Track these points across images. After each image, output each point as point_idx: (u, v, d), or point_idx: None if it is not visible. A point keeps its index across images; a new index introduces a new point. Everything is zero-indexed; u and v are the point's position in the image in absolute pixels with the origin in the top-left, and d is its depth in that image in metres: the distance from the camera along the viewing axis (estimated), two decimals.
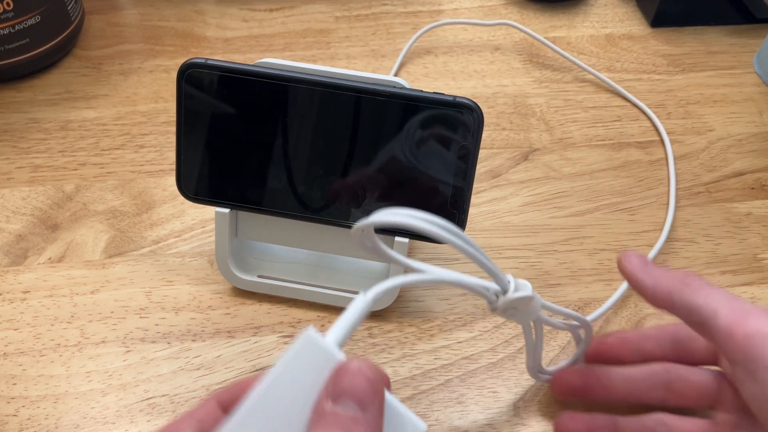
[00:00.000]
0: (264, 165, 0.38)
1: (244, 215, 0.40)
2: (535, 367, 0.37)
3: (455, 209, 0.37)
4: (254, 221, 0.40)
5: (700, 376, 0.34)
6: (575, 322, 0.35)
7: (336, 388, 0.24)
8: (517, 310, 0.31)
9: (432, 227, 0.27)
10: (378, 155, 0.37)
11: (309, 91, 0.36)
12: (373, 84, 0.36)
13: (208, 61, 0.36)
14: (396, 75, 0.57)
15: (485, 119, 0.54)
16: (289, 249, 0.43)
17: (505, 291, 0.30)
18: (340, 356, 0.24)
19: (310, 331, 0.24)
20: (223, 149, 0.38)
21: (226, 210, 0.39)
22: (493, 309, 0.31)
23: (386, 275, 0.41)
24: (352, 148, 0.37)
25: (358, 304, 0.25)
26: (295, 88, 0.36)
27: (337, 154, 0.37)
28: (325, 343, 0.24)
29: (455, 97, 0.35)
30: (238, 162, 0.38)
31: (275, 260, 0.43)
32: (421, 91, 0.36)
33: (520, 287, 0.31)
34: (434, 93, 0.36)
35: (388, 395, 0.25)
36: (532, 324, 0.33)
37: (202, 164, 0.38)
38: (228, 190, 0.39)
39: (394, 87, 0.36)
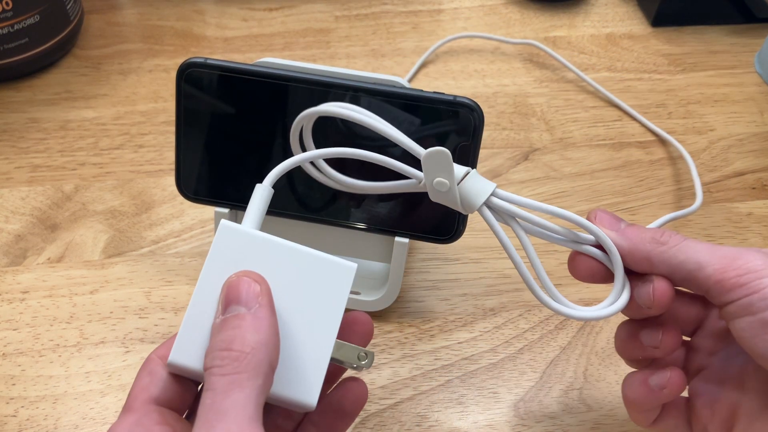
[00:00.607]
0: (263, 164, 0.38)
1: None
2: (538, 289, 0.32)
3: (454, 211, 0.37)
4: None
5: (683, 305, 0.33)
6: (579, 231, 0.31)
7: (222, 303, 0.26)
8: (449, 189, 0.30)
9: (350, 112, 0.31)
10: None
11: (308, 90, 0.36)
12: (373, 83, 0.36)
13: (208, 61, 0.36)
14: (415, 75, 0.57)
15: (486, 119, 0.53)
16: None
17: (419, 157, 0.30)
18: (257, 232, 0.28)
19: (225, 222, 0.28)
20: (223, 149, 0.38)
21: (226, 210, 0.39)
22: (428, 190, 0.30)
23: (386, 275, 0.41)
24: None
25: (259, 190, 0.30)
26: (294, 88, 0.36)
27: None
28: (240, 227, 0.28)
29: (455, 96, 0.35)
30: (237, 161, 0.38)
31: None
32: (421, 90, 0.36)
33: (436, 152, 0.29)
34: (434, 92, 0.35)
35: (308, 250, 0.28)
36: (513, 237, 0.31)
37: (201, 164, 0.38)
38: (227, 189, 0.39)
39: (394, 86, 0.36)
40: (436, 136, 0.36)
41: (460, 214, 0.37)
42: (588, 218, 0.31)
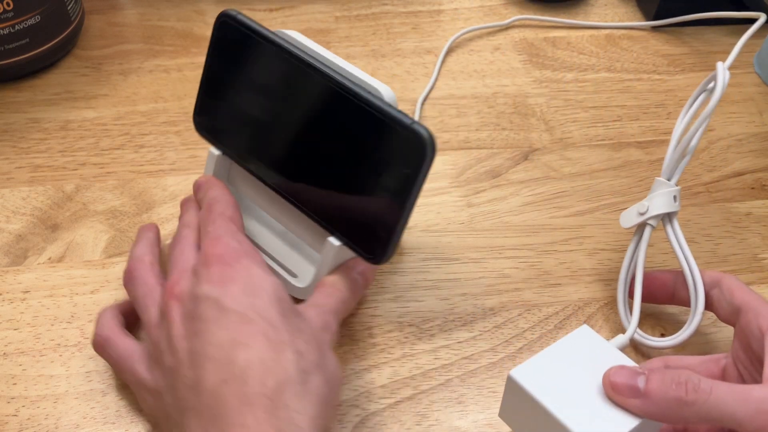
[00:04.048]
0: (253, 123, 0.40)
1: (237, 165, 0.42)
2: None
3: (385, 232, 0.35)
4: (244, 174, 0.41)
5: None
6: None
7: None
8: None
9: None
10: (337, 149, 0.37)
11: (303, 70, 0.37)
12: (355, 84, 0.35)
13: (238, 16, 0.39)
14: (442, 69, 0.57)
15: (486, 119, 0.54)
16: (265, 214, 0.44)
17: None
18: None
19: None
20: (231, 98, 0.40)
21: (217, 152, 0.41)
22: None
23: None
24: (318, 133, 0.37)
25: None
26: (294, 65, 0.37)
27: (306, 133, 0.38)
28: None
29: (413, 121, 0.34)
30: (237, 112, 0.40)
31: (249, 217, 0.43)
32: (390, 105, 0.34)
33: None
34: (398, 111, 0.34)
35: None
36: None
37: (212, 104, 0.41)
38: (224, 134, 0.41)
39: (369, 92, 0.35)
40: (387, 153, 0.35)
41: (388, 235, 0.35)
42: (604, 384, 0.32)
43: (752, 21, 0.53)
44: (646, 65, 0.59)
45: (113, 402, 0.37)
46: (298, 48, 0.37)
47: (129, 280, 0.38)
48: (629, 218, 0.40)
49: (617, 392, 0.31)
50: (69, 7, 0.54)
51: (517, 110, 0.55)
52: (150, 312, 0.35)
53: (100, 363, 0.39)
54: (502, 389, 0.38)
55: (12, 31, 0.51)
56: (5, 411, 0.37)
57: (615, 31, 0.62)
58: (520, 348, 0.40)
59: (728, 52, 0.60)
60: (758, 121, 0.55)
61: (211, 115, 0.41)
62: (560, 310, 0.42)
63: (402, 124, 0.34)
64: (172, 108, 0.53)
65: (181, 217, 0.41)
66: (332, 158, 0.37)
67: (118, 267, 0.43)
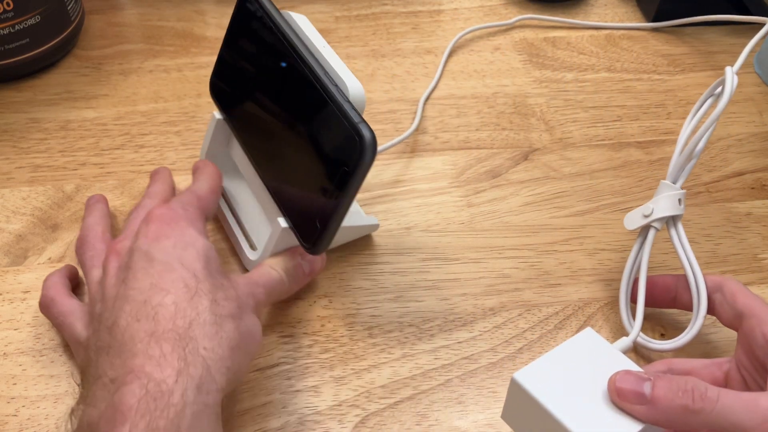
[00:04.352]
0: (244, 94, 0.42)
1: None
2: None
3: (320, 223, 0.36)
4: (237, 143, 0.43)
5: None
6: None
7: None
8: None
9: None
10: (297, 134, 0.38)
11: (287, 52, 0.38)
12: (326, 73, 0.36)
13: None
14: (444, 69, 0.57)
15: (485, 119, 0.54)
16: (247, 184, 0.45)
17: None
18: None
19: None
20: (235, 65, 0.42)
21: (219, 116, 0.43)
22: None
23: (291, 242, 0.40)
24: (286, 114, 0.38)
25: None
26: (283, 46, 0.38)
27: (277, 113, 0.39)
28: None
29: (361, 122, 0.34)
30: (236, 81, 0.42)
31: (232, 182, 0.46)
32: (347, 101, 0.35)
33: None
34: (352, 108, 0.34)
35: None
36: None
37: (223, 70, 0.43)
38: (226, 100, 0.43)
39: (335, 84, 0.35)
40: (333, 147, 0.35)
41: (321, 230, 0.36)
42: (609, 389, 0.31)
43: (753, 22, 0.53)
44: (646, 65, 0.59)
45: None
46: (291, 30, 0.38)
47: (79, 246, 0.40)
48: (634, 220, 0.40)
49: (623, 398, 0.31)
50: (69, 7, 0.54)
51: (517, 110, 0.55)
52: (94, 272, 0.37)
53: None
54: (502, 389, 0.38)
55: (12, 31, 0.51)
56: (5, 411, 0.37)
57: (615, 31, 0.62)
58: (520, 348, 0.40)
59: (728, 52, 0.60)
60: (758, 121, 0.55)
61: (221, 80, 0.44)
62: (560, 311, 0.42)
63: (350, 121, 0.34)
64: (172, 108, 0.53)
65: (148, 187, 0.43)
66: (291, 142, 0.38)
67: None
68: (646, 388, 0.30)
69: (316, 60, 0.36)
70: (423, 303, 0.42)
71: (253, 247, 0.43)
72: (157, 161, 0.49)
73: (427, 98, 0.55)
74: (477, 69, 0.58)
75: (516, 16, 0.63)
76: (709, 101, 0.41)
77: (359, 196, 0.47)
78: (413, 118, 0.53)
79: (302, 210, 0.37)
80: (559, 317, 0.42)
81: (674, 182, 0.40)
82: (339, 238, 0.41)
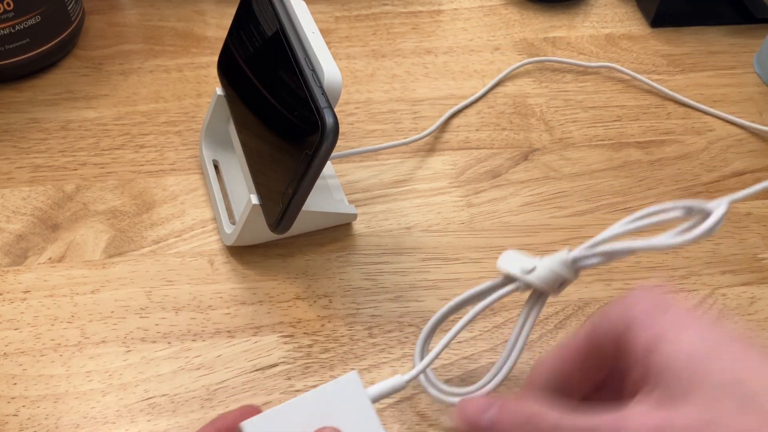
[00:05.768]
0: (239, 72, 0.43)
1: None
2: None
3: (282, 203, 0.37)
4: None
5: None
6: None
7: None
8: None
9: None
10: (273, 114, 0.39)
11: (277, 32, 0.39)
12: (306, 57, 0.37)
13: None
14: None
15: (485, 119, 0.54)
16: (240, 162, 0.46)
17: None
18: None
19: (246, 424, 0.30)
20: (238, 43, 0.44)
21: (220, 92, 0.46)
22: None
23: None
24: (268, 93, 0.39)
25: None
26: (275, 26, 0.39)
27: (261, 91, 0.40)
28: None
29: (326, 107, 0.34)
30: (236, 59, 0.44)
31: (226, 157, 0.48)
32: (320, 86, 0.35)
33: None
34: (322, 93, 0.35)
35: (310, 393, 0.31)
36: None
37: (228, 47, 0.45)
38: (228, 77, 0.45)
39: (313, 69, 0.36)
40: (299, 130, 0.36)
41: (284, 207, 0.37)
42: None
43: (753, 22, 0.53)
44: (646, 65, 0.59)
45: (113, 402, 0.37)
46: (285, 12, 0.39)
47: None
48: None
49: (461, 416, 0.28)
50: (69, 8, 0.54)
51: (517, 110, 0.55)
52: None
53: (100, 363, 0.39)
54: (502, 389, 0.39)
55: (12, 31, 0.51)
56: (5, 411, 0.37)
57: (615, 31, 0.62)
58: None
59: (728, 52, 0.60)
60: (758, 121, 0.55)
61: (225, 58, 0.46)
62: (560, 310, 0.42)
63: (316, 106, 0.34)
64: (173, 108, 0.53)
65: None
66: (268, 122, 0.40)
67: (119, 267, 0.43)
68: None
69: (301, 44, 0.37)
70: (423, 303, 0.42)
71: (233, 221, 0.44)
72: (157, 161, 0.49)
73: (457, 112, 0.54)
74: (477, 69, 0.58)
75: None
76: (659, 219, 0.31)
77: (360, 193, 0.48)
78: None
79: (271, 189, 0.39)
80: (559, 317, 0.42)
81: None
82: (314, 223, 0.43)
